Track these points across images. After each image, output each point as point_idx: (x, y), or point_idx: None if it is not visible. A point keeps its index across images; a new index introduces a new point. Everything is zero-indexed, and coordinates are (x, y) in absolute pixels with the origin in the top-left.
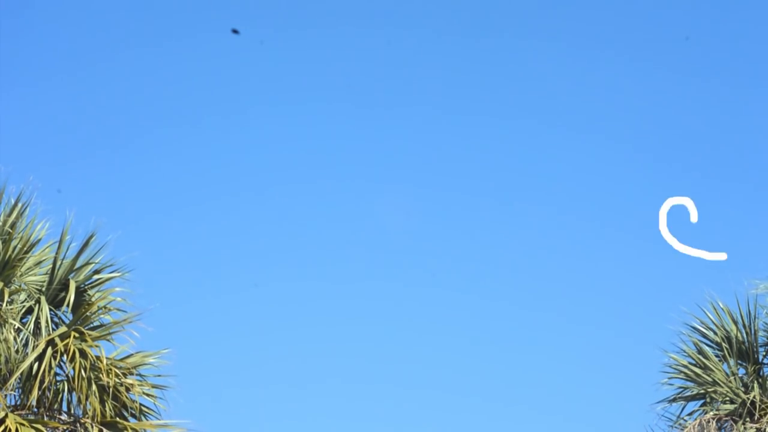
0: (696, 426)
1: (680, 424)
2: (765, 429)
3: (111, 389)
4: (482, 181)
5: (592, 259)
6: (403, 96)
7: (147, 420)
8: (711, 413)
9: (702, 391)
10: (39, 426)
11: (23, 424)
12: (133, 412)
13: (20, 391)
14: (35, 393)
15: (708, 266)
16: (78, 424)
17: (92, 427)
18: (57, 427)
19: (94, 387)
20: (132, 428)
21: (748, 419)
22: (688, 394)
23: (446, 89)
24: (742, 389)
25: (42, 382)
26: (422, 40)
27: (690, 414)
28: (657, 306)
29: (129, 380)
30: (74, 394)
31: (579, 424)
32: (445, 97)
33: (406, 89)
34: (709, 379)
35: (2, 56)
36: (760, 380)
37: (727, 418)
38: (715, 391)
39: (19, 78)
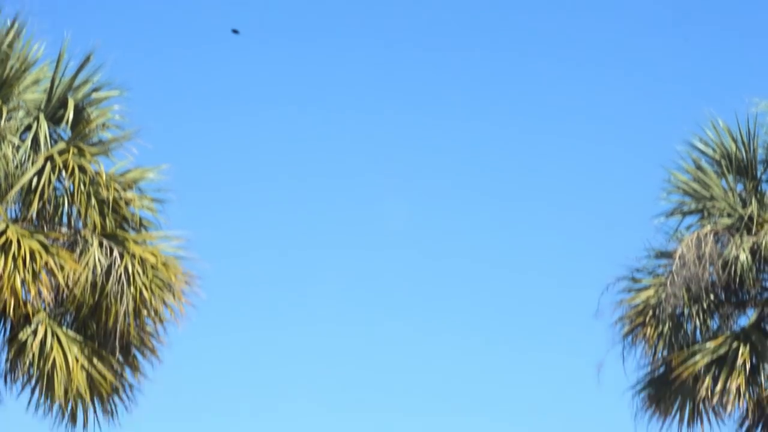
0: (693, 239)
1: (677, 238)
2: (761, 242)
3: (111, 203)
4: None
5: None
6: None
7: (147, 232)
8: (708, 227)
9: (700, 206)
10: (40, 237)
11: (24, 235)
12: (133, 224)
13: (20, 204)
14: (35, 206)
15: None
16: (78, 236)
17: (93, 238)
18: (58, 238)
19: (93, 201)
20: (133, 239)
21: (745, 232)
22: (686, 209)
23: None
24: (740, 204)
25: (42, 195)
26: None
27: (687, 228)
28: (659, 127)
29: (128, 194)
30: (74, 207)
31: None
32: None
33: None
34: (707, 194)
35: None
36: (758, 195)
37: (724, 232)
38: (713, 206)
39: None
